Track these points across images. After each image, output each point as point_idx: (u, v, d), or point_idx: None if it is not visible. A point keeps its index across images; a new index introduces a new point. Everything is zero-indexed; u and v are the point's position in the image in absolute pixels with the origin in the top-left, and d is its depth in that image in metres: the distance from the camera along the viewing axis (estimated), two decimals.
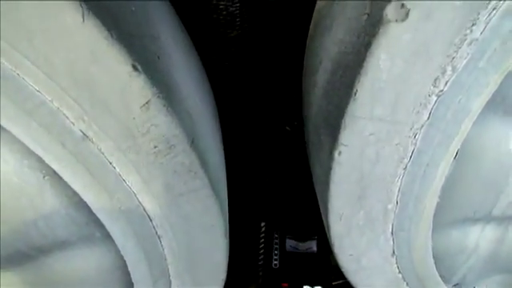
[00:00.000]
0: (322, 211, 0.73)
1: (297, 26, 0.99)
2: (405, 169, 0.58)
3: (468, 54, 0.49)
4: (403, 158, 0.57)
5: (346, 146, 0.56)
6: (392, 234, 0.66)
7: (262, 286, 1.19)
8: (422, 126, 0.54)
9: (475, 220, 0.72)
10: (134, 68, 0.47)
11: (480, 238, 0.75)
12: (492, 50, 0.49)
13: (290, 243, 1.30)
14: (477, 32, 0.48)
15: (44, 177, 0.55)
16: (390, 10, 0.47)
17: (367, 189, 0.60)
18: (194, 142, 0.55)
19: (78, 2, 0.43)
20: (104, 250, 0.64)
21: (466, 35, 0.48)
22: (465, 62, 0.49)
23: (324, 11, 0.67)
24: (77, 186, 0.53)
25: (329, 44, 0.61)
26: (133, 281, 0.65)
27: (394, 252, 0.69)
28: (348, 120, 0.54)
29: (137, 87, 0.48)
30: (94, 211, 0.56)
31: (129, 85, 0.48)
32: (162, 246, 0.63)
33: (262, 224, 1.32)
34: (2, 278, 0.66)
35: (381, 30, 0.48)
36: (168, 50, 0.58)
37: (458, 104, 0.52)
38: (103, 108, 0.49)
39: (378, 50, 0.49)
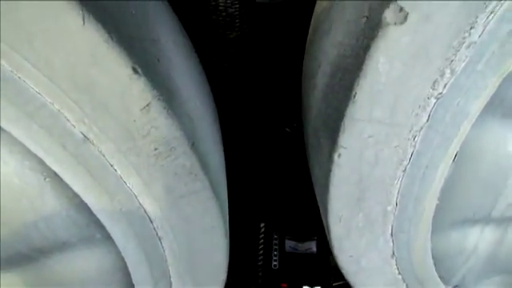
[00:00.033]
0: (321, 213, 0.73)
1: (296, 27, 0.99)
2: (404, 171, 0.58)
3: (466, 56, 0.49)
4: (402, 160, 0.57)
5: (345, 148, 0.57)
6: (391, 235, 0.66)
7: (261, 286, 1.19)
8: (421, 128, 0.54)
9: (474, 221, 0.72)
10: (135, 71, 0.48)
11: (479, 240, 0.75)
12: (490, 52, 0.49)
13: (289, 244, 1.30)
14: (475, 35, 0.48)
15: (45, 178, 0.55)
16: (389, 14, 0.48)
17: (366, 191, 0.61)
18: (194, 145, 0.55)
19: (78, 6, 0.43)
20: (104, 251, 0.64)
21: (464, 38, 0.48)
22: (463, 64, 0.50)
23: (323, 14, 0.68)
24: (78, 187, 0.53)
25: (328, 47, 0.62)
26: (133, 282, 0.66)
27: (393, 253, 0.69)
28: (347, 122, 0.55)
29: (137, 90, 0.49)
30: (95, 213, 0.56)
31: (129, 87, 0.48)
32: (162, 247, 0.63)
33: (262, 225, 1.32)
34: (2, 279, 0.66)
35: (380, 33, 0.48)
36: (168, 53, 0.58)
37: (456, 106, 0.52)
38: (104, 110, 0.49)
39: (376, 53, 0.49)
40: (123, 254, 0.62)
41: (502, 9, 0.47)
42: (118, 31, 0.47)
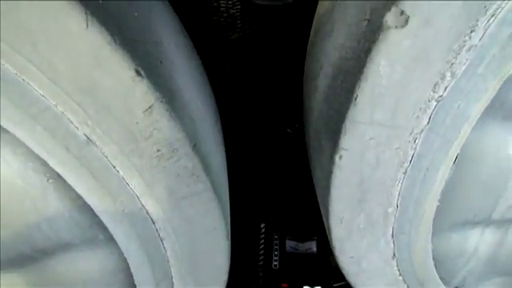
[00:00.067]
0: (322, 214, 0.74)
1: (297, 28, 1.00)
2: (405, 173, 0.58)
3: (467, 60, 0.49)
4: (403, 163, 0.58)
5: (346, 150, 0.57)
6: (392, 236, 0.66)
7: (262, 286, 1.19)
8: (422, 130, 0.54)
9: (475, 223, 0.72)
10: (137, 73, 0.48)
11: (480, 242, 0.75)
12: (491, 56, 0.49)
13: (289, 244, 1.30)
14: (476, 38, 0.48)
15: (48, 180, 0.55)
16: (390, 17, 0.48)
17: (367, 192, 0.61)
18: (196, 146, 0.56)
19: (82, 9, 0.44)
20: (107, 252, 0.65)
21: (464, 41, 0.48)
22: (464, 67, 0.50)
23: (325, 16, 0.68)
24: (81, 189, 0.54)
25: (329, 49, 0.62)
26: (135, 283, 0.66)
27: (394, 255, 0.69)
28: (348, 125, 0.55)
29: (140, 92, 0.49)
30: (98, 214, 0.56)
31: (132, 90, 0.49)
32: (164, 248, 0.63)
33: (262, 225, 1.32)
34: (5, 279, 0.66)
35: (381, 37, 0.49)
36: (170, 55, 0.59)
37: (457, 109, 0.53)
38: (107, 112, 0.49)
39: (378, 56, 0.50)
40: (125, 255, 0.62)
41: (502, 12, 0.47)
42: (121, 34, 0.47)
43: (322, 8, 0.72)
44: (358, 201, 0.62)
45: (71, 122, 0.49)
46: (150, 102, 0.50)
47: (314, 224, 1.30)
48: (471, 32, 0.48)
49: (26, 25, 0.44)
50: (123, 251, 0.62)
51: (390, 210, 0.63)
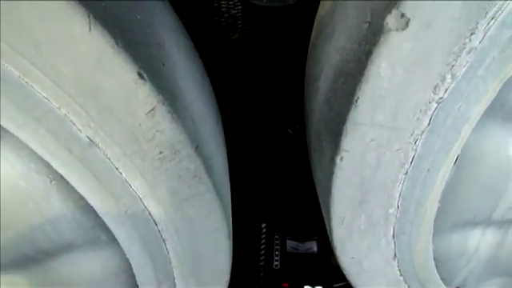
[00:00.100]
0: (324, 215, 0.74)
1: (298, 28, 1.00)
2: (406, 174, 0.59)
3: (467, 62, 0.50)
4: (404, 164, 0.58)
5: (347, 151, 0.57)
6: (393, 237, 0.67)
7: (263, 286, 1.19)
8: (423, 132, 0.55)
9: (475, 224, 0.72)
10: (140, 76, 0.48)
11: (480, 242, 0.76)
12: (491, 58, 0.50)
13: (290, 244, 1.30)
14: (476, 41, 0.49)
15: (51, 181, 0.56)
16: (391, 20, 0.48)
17: (368, 193, 0.61)
18: (198, 148, 0.56)
19: (85, 12, 0.44)
20: (109, 253, 0.65)
21: (465, 44, 0.49)
22: (464, 70, 0.50)
23: (326, 18, 0.68)
24: (83, 190, 0.54)
25: (331, 51, 0.62)
26: (138, 283, 0.66)
27: (395, 255, 0.70)
28: (349, 126, 0.55)
29: (142, 94, 0.49)
30: (101, 215, 0.56)
31: (135, 92, 0.49)
32: (166, 249, 0.64)
33: (263, 225, 1.32)
34: (8, 280, 0.67)
35: (381, 39, 0.49)
36: (172, 57, 0.59)
37: (457, 111, 0.53)
38: (109, 115, 0.50)
39: (378, 58, 0.50)
40: (128, 256, 0.63)
41: (502, 14, 0.47)
42: (123, 37, 0.47)
43: (322, 10, 0.72)
44: (359, 202, 0.63)
45: (74, 124, 0.50)
46: (153, 105, 0.50)
47: (315, 224, 1.30)
48: (471, 34, 0.48)
49: (30, 27, 0.44)
50: (125, 252, 0.62)
51: (390, 210, 0.63)
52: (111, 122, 0.50)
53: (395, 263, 0.71)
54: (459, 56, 0.49)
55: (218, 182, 0.62)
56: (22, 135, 0.49)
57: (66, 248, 0.63)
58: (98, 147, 0.52)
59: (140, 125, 0.51)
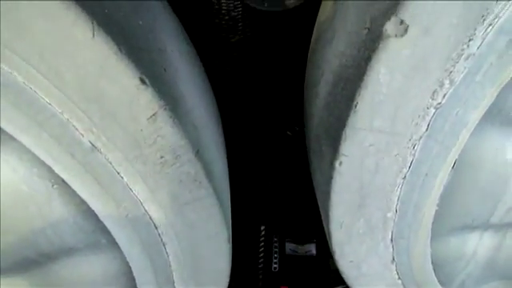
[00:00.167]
0: (322, 218, 0.74)
1: (299, 30, 1.00)
2: (404, 178, 0.59)
3: (465, 68, 0.50)
4: (402, 168, 0.58)
5: (346, 156, 0.58)
6: (391, 241, 0.67)
7: None
8: (421, 137, 0.55)
9: (473, 228, 0.73)
10: (142, 81, 0.49)
11: (478, 245, 0.76)
12: (488, 64, 0.50)
13: (289, 246, 1.31)
14: (473, 47, 0.49)
15: (53, 185, 0.56)
16: (390, 26, 0.49)
17: (367, 198, 0.62)
18: (198, 152, 0.57)
19: (88, 18, 0.45)
20: (110, 256, 0.66)
21: (463, 50, 0.49)
22: (462, 75, 0.51)
23: (326, 24, 0.69)
24: (85, 194, 0.55)
25: (330, 56, 0.63)
26: (138, 287, 0.67)
27: (393, 259, 0.70)
28: (349, 131, 0.56)
29: (144, 100, 0.50)
30: (102, 219, 0.57)
31: (136, 98, 0.49)
32: (167, 253, 0.64)
33: (262, 227, 1.32)
34: (9, 283, 0.67)
35: (381, 45, 0.50)
36: (174, 62, 0.59)
37: (455, 116, 0.54)
38: (112, 120, 0.50)
39: (377, 64, 0.50)
40: (128, 260, 0.63)
41: (500, 21, 0.48)
42: (126, 43, 0.48)
43: (322, 15, 0.72)
44: (358, 206, 0.63)
45: (76, 129, 0.50)
46: (154, 110, 0.50)
47: (314, 227, 1.30)
48: (469, 41, 0.49)
49: (34, 34, 0.44)
50: (126, 255, 0.62)
51: (389, 214, 0.63)
52: (113, 127, 0.51)
53: (393, 267, 0.71)
54: (457, 62, 0.50)
55: (218, 186, 0.62)
56: (25, 140, 0.49)
57: (67, 251, 0.63)
58: (100, 152, 0.52)
59: (142, 130, 0.52)
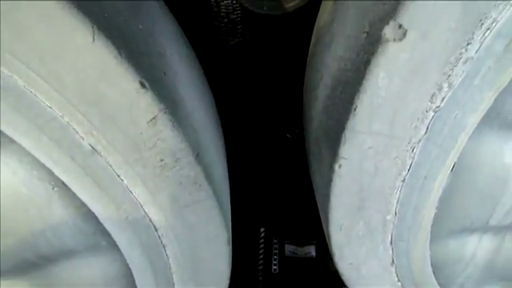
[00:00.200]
0: (322, 221, 0.74)
1: (298, 33, 1.00)
2: (403, 181, 0.59)
3: (463, 71, 0.50)
4: (401, 171, 0.59)
5: (345, 159, 0.58)
6: (391, 243, 0.67)
7: None
8: (420, 140, 0.55)
9: (472, 230, 0.73)
10: (142, 85, 0.49)
11: (477, 248, 0.76)
12: (486, 67, 0.51)
13: (289, 248, 1.31)
14: (472, 51, 0.49)
15: (53, 188, 0.56)
16: (389, 30, 0.49)
17: (366, 200, 0.62)
18: (198, 155, 0.57)
19: (88, 23, 0.45)
20: (110, 258, 0.66)
21: (461, 54, 0.50)
22: (460, 79, 0.51)
23: (324, 28, 0.69)
24: (85, 197, 0.55)
25: (329, 60, 0.63)
26: None
27: (393, 261, 0.70)
28: (348, 134, 0.56)
29: (144, 103, 0.50)
30: (102, 221, 0.57)
31: (136, 101, 0.50)
32: (166, 255, 0.64)
33: (262, 229, 1.33)
34: (9, 286, 0.67)
35: (379, 49, 0.50)
36: (174, 66, 0.60)
37: (454, 119, 0.54)
38: (112, 123, 0.51)
39: (376, 68, 0.51)
40: (128, 262, 0.63)
41: (498, 25, 0.48)
42: (126, 47, 0.48)
43: (321, 19, 0.73)
44: (358, 208, 0.63)
45: (77, 132, 0.50)
46: (154, 113, 0.51)
47: (313, 228, 1.30)
48: (467, 45, 0.49)
49: (34, 38, 0.45)
50: (126, 258, 0.63)
51: (388, 217, 0.63)
52: (113, 130, 0.51)
53: (393, 269, 0.72)
54: (456, 66, 0.50)
55: (217, 189, 0.62)
56: (25, 143, 0.50)
57: (67, 254, 0.64)
58: (100, 155, 0.52)
59: (141, 133, 0.52)
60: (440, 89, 0.52)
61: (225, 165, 0.76)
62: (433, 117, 0.54)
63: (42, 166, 0.52)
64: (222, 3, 1.01)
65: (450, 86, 0.51)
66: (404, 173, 0.59)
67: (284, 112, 1.27)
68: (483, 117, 0.54)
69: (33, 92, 0.47)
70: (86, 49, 0.46)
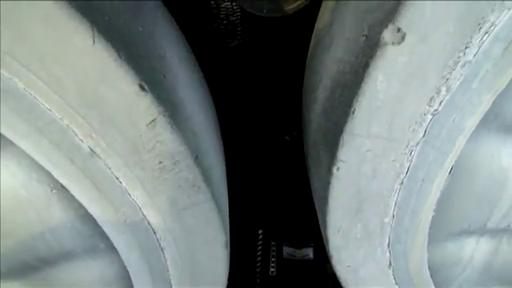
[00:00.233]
0: (320, 223, 0.75)
1: (297, 35, 1.00)
2: (401, 184, 0.60)
3: (461, 75, 0.51)
4: (399, 174, 0.59)
5: (344, 161, 0.58)
6: (389, 246, 0.67)
7: None
8: (418, 143, 0.56)
9: (470, 233, 0.73)
10: (141, 88, 0.49)
11: (475, 250, 0.76)
12: (484, 71, 0.51)
13: (286, 250, 1.31)
14: (470, 55, 0.50)
15: (52, 190, 0.56)
16: (387, 34, 0.49)
17: (364, 203, 0.62)
18: (197, 158, 0.57)
19: (89, 25, 0.45)
20: (108, 260, 0.66)
21: (459, 58, 0.50)
22: (458, 82, 0.51)
23: (324, 31, 0.69)
24: (84, 199, 0.55)
25: (328, 62, 0.63)
26: None
27: (390, 264, 0.70)
28: (346, 137, 0.56)
29: (143, 106, 0.50)
30: (100, 224, 0.57)
31: (136, 104, 0.50)
32: (165, 257, 0.64)
33: (260, 231, 1.33)
34: (8, 287, 0.67)
35: (378, 53, 0.50)
36: (173, 69, 0.60)
37: (452, 123, 0.54)
38: (111, 126, 0.51)
39: (375, 71, 0.51)
40: (126, 264, 0.63)
41: (495, 29, 0.48)
42: (126, 49, 0.48)
43: (321, 22, 0.73)
44: (356, 211, 0.63)
45: (76, 134, 0.50)
46: (154, 116, 0.51)
47: (311, 231, 1.30)
48: (466, 48, 0.49)
49: (35, 41, 0.45)
50: (124, 260, 0.63)
51: (386, 220, 0.64)
52: (113, 132, 0.51)
53: (390, 272, 0.72)
54: (454, 69, 0.50)
55: (216, 191, 0.62)
56: (25, 145, 0.50)
57: (65, 256, 0.64)
58: (99, 157, 0.52)
59: (141, 135, 0.52)
60: (438, 92, 0.52)
61: (223, 167, 0.76)
62: (431, 120, 0.54)
63: (41, 168, 0.52)
64: (221, 5, 1.02)
65: (448, 89, 0.52)
66: (402, 175, 0.59)
67: (283, 114, 1.27)
68: (481, 120, 0.55)
69: (32, 94, 0.47)
70: (86, 51, 0.46)
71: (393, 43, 0.49)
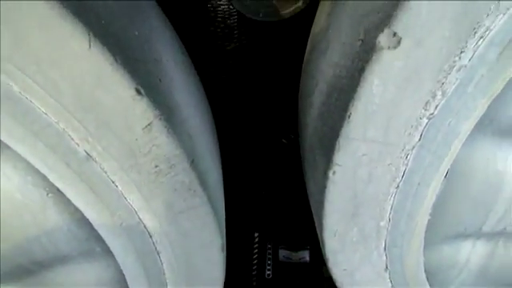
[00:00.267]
0: (316, 227, 0.75)
1: (294, 38, 1.01)
2: (397, 188, 0.60)
3: (457, 79, 0.51)
4: (395, 178, 0.59)
5: (340, 165, 0.58)
6: (385, 249, 0.67)
7: None
8: (414, 147, 0.56)
9: (466, 236, 0.73)
10: (137, 92, 0.49)
11: (471, 253, 0.77)
12: (479, 75, 0.51)
13: (283, 253, 1.31)
14: (465, 59, 0.50)
15: (47, 194, 0.56)
16: (383, 38, 0.50)
17: (360, 207, 0.62)
18: (193, 162, 0.57)
19: (85, 30, 0.45)
20: (104, 264, 0.66)
21: (454, 62, 0.50)
22: (454, 87, 0.51)
23: (320, 35, 0.69)
24: (80, 203, 0.55)
25: (324, 67, 0.63)
26: None
27: (386, 267, 0.70)
28: (342, 141, 0.56)
29: (139, 110, 0.50)
30: (96, 228, 0.57)
31: (132, 108, 0.50)
32: (161, 261, 0.64)
33: (256, 234, 1.33)
34: None
35: (374, 57, 0.50)
36: (169, 72, 0.60)
37: (447, 126, 0.54)
38: (107, 130, 0.51)
39: (371, 75, 0.51)
40: (122, 267, 0.63)
41: (491, 34, 0.49)
42: (122, 53, 0.48)
43: (317, 26, 0.73)
44: (352, 215, 0.63)
45: (72, 138, 0.50)
46: (150, 120, 0.51)
47: (308, 234, 1.31)
48: (461, 53, 0.50)
49: (31, 45, 0.45)
50: (120, 264, 0.63)
51: (382, 223, 0.64)
52: (109, 136, 0.51)
53: (387, 275, 0.72)
54: (449, 73, 0.51)
55: (212, 195, 0.62)
56: (21, 149, 0.50)
57: (61, 259, 0.63)
58: (95, 161, 0.52)
59: (137, 139, 0.52)
60: (434, 96, 0.52)
61: (220, 171, 0.76)
62: (427, 124, 0.54)
63: (37, 171, 0.52)
64: (218, 8, 1.02)
65: (443, 93, 0.52)
66: (398, 179, 0.59)
67: (280, 117, 1.27)
68: (476, 124, 0.55)
69: (29, 98, 0.47)
70: (83, 55, 0.46)
71: (389, 47, 0.50)
